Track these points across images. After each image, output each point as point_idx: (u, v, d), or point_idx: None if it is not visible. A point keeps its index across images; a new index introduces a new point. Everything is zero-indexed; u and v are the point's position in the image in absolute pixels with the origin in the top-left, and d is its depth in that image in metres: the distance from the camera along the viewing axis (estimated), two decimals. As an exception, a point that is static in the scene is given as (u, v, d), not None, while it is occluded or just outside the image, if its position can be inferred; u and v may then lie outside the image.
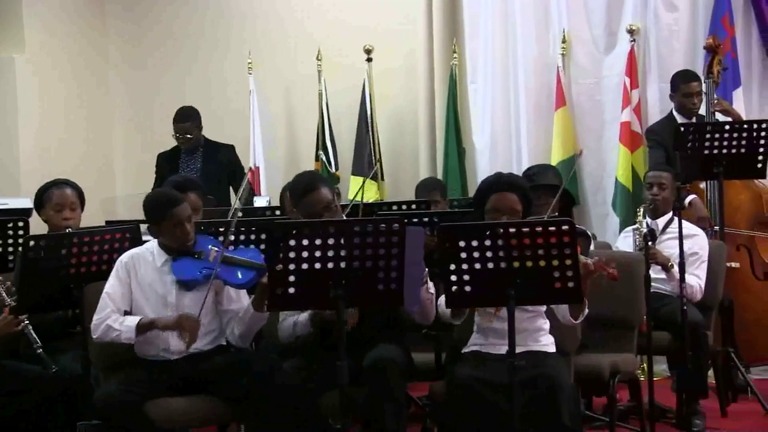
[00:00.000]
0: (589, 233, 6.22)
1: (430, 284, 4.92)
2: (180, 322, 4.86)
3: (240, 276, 4.93)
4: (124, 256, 5.09)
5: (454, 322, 4.94)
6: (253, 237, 5.36)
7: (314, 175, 5.70)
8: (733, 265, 7.01)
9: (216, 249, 4.97)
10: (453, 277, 4.38)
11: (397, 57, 9.13)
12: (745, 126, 6.71)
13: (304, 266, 4.31)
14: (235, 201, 5.75)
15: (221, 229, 5.25)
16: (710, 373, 6.65)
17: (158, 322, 4.92)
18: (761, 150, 6.68)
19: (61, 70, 9.56)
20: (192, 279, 4.98)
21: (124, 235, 5.29)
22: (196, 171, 8.14)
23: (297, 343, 5.11)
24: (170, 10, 9.94)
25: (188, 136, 8.22)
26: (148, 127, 9.82)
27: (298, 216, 5.57)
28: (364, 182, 8.15)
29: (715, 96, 7.38)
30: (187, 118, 8.27)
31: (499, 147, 8.73)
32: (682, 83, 7.52)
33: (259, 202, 8.11)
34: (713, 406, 6.54)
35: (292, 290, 4.33)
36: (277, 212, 6.54)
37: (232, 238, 5.16)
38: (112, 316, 4.93)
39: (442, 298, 4.76)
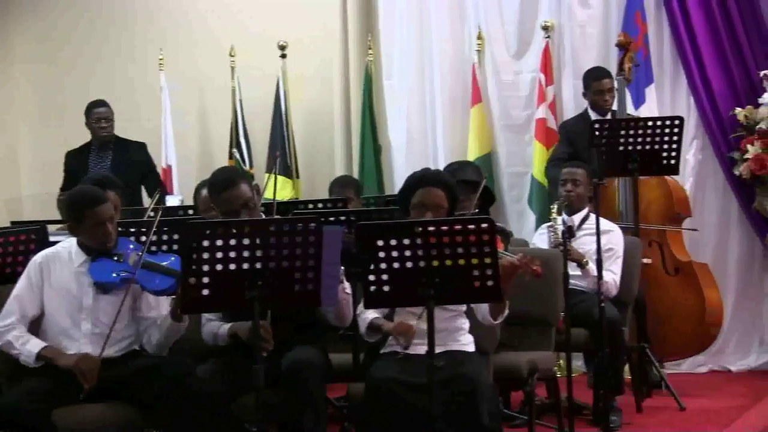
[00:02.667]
0: (507, 231, 6.21)
1: (347, 284, 4.86)
2: (78, 365, 4.68)
3: (158, 282, 4.80)
4: (38, 257, 4.94)
5: (369, 339, 4.92)
6: (165, 237, 5.23)
7: (234, 171, 5.61)
8: (646, 260, 7.05)
9: (137, 253, 4.84)
10: (371, 277, 4.31)
11: (311, 53, 9.07)
12: (658, 123, 6.75)
13: (219, 267, 4.22)
14: (150, 205, 5.62)
15: (132, 230, 5.12)
16: (625, 368, 6.70)
17: (58, 358, 4.73)
18: (674, 146, 6.73)
19: (-37, 66, 9.36)
20: (109, 282, 4.83)
21: (30, 236, 5.14)
22: (107, 169, 7.97)
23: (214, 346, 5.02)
24: (79, 4, 9.74)
25: (107, 122, 8.09)
26: (55, 124, 9.60)
27: (212, 215, 5.47)
28: (276, 180, 8.05)
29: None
30: (104, 104, 8.17)
31: (415, 144, 8.72)
32: (593, 81, 7.56)
33: (172, 201, 7.98)
34: (629, 401, 6.59)
35: (206, 292, 4.24)
36: (190, 211, 6.42)
37: (143, 239, 5.05)
38: (16, 329, 4.78)
39: (363, 317, 4.76)
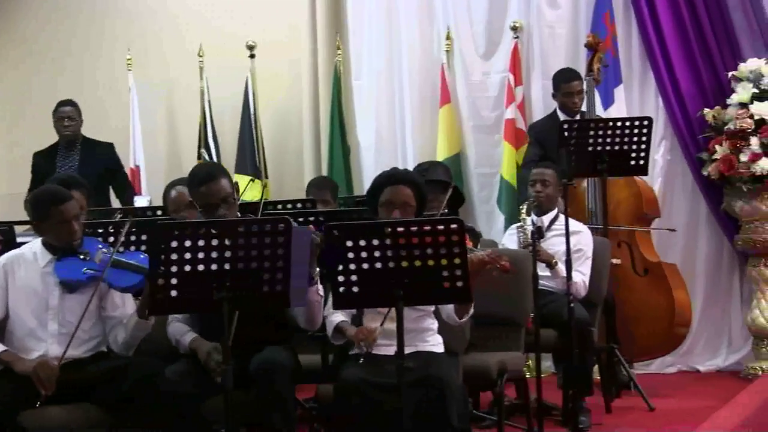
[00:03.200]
0: (476, 231, 6.21)
1: (320, 287, 4.84)
2: (36, 371, 4.62)
3: (125, 279, 4.77)
4: (2, 258, 4.91)
5: (335, 342, 4.91)
6: (133, 238, 5.20)
7: (216, 166, 5.62)
8: (615, 261, 7.07)
9: (104, 250, 4.80)
10: (340, 278, 4.30)
11: (280, 53, 9.05)
12: (627, 123, 6.76)
13: (187, 268, 4.19)
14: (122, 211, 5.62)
15: (100, 231, 5.09)
16: (595, 369, 6.71)
17: (15, 364, 4.68)
18: (643, 147, 6.75)
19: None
20: (75, 280, 4.80)
21: (-4, 236, 5.10)
22: (74, 170, 7.93)
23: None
24: (47, 5, 9.67)
25: (71, 121, 8.04)
26: (23, 125, 9.54)
27: (182, 216, 5.44)
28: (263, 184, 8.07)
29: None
30: (69, 104, 8.14)
31: (384, 144, 8.71)
32: (563, 83, 7.57)
33: (140, 201, 7.94)
34: (598, 402, 6.60)
35: (174, 293, 4.21)
36: (159, 212, 6.38)
37: (112, 239, 5.01)
38: None
39: (330, 319, 4.75)
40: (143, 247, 5.07)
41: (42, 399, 4.59)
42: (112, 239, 5.05)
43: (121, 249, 4.93)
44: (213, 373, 4.63)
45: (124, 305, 4.92)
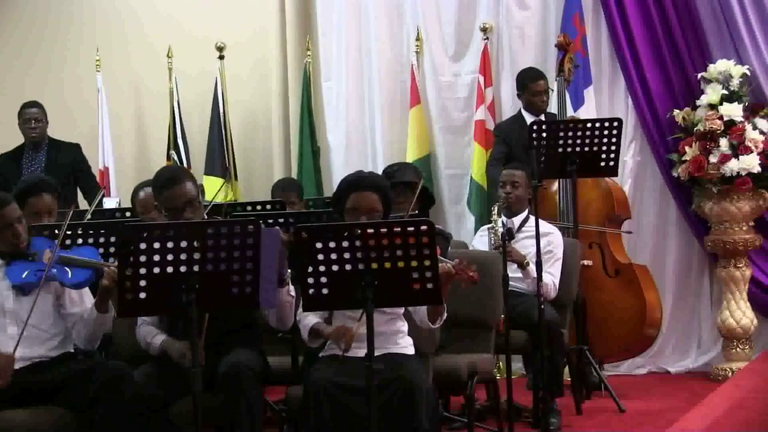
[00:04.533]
0: (446, 233, 6.19)
1: (292, 287, 4.81)
2: None
3: (74, 275, 4.75)
4: None
5: (311, 345, 4.87)
6: (102, 240, 5.18)
7: (180, 169, 5.58)
8: (586, 262, 7.07)
9: (50, 249, 4.77)
10: (310, 280, 4.27)
11: (249, 54, 9.04)
12: (597, 124, 6.76)
13: (156, 270, 4.15)
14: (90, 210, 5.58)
15: (56, 231, 5.05)
16: (565, 370, 6.71)
17: None
18: (612, 148, 6.75)
19: None
20: (26, 282, 4.78)
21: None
22: (40, 171, 7.89)
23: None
24: (15, 6, 9.60)
25: (37, 122, 7.98)
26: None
27: (151, 217, 5.41)
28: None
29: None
30: (35, 105, 8.09)
31: (354, 145, 8.70)
32: (529, 82, 7.58)
33: (109, 203, 7.90)
34: (568, 403, 6.60)
35: (143, 295, 4.17)
36: (128, 214, 6.35)
37: (80, 241, 4.96)
38: None
39: (304, 322, 4.73)
40: (112, 249, 5.05)
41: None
42: (68, 242, 5.02)
43: (68, 243, 4.91)
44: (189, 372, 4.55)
45: (82, 301, 4.90)
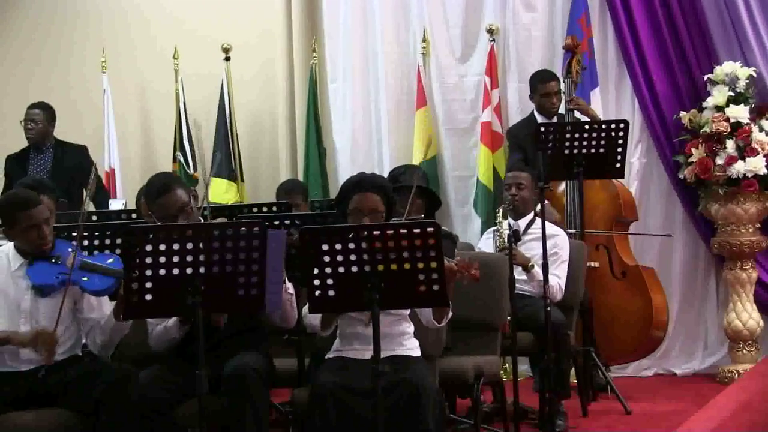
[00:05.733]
0: (453, 235, 6.18)
1: (289, 285, 4.81)
2: (36, 338, 4.64)
3: (97, 282, 4.75)
4: None
5: (322, 333, 4.84)
6: (108, 241, 5.17)
7: (169, 176, 5.53)
8: (593, 264, 7.07)
9: (75, 254, 4.77)
10: (316, 282, 4.26)
11: (255, 56, 9.02)
12: (603, 126, 6.76)
13: (161, 272, 4.16)
14: (85, 199, 5.56)
15: (74, 234, 5.05)
16: (571, 372, 6.70)
17: (13, 338, 4.69)
18: (619, 150, 6.74)
19: None
20: (47, 284, 4.78)
21: (-33, 241, 5.05)
22: (46, 172, 7.88)
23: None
24: (20, 7, 9.60)
25: (34, 124, 7.96)
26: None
27: (154, 220, 5.42)
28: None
29: (573, 95, 7.44)
30: (37, 106, 8.06)
31: (360, 147, 8.68)
32: (540, 84, 7.57)
33: (115, 204, 7.90)
34: (574, 405, 6.59)
35: (148, 297, 4.18)
36: (134, 215, 6.35)
37: (86, 243, 4.97)
38: None
39: (310, 319, 4.71)
40: (117, 251, 5.04)
41: (46, 363, 4.63)
42: (85, 242, 5.01)
43: (87, 252, 4.91)
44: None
45: (101, 307, 4.90)
